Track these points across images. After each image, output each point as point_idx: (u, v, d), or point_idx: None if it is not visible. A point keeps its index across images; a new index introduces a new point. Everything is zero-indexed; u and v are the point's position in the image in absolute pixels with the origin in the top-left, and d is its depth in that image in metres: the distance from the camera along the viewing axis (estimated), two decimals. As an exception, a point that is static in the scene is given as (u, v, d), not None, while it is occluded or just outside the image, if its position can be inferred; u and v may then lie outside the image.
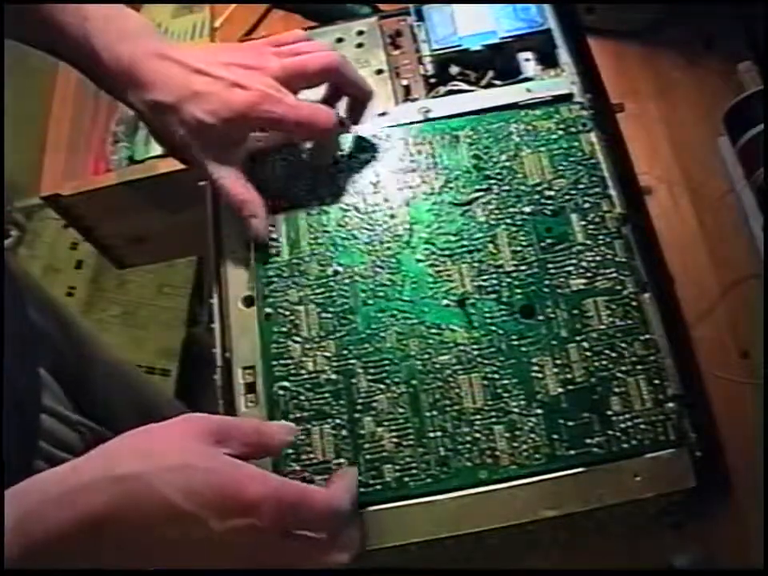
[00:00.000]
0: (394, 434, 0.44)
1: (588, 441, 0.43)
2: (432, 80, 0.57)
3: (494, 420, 0.44)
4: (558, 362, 0.45)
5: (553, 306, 0.46)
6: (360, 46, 0.58)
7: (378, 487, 0.43)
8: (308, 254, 0.49)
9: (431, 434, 0.44)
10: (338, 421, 0.45)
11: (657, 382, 0.44)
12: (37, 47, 0.51)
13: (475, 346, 0.46)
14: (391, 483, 0.43)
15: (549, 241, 0.48)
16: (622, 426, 0.43)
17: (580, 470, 0.43)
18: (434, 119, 0.53)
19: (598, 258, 0.47)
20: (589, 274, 0.47)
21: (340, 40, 0.59)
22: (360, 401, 0.45)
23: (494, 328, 0.46)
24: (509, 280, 0.47)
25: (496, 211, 0.49)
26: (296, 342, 0.47)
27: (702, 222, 0.60)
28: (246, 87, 0.47)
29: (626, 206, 0.49)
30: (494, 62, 0.56)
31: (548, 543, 0.48)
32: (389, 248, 0.49)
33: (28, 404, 0.52)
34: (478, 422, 0.44)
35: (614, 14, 0.67)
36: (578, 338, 0.45)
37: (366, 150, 0.53)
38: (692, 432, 0.43)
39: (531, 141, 0.51)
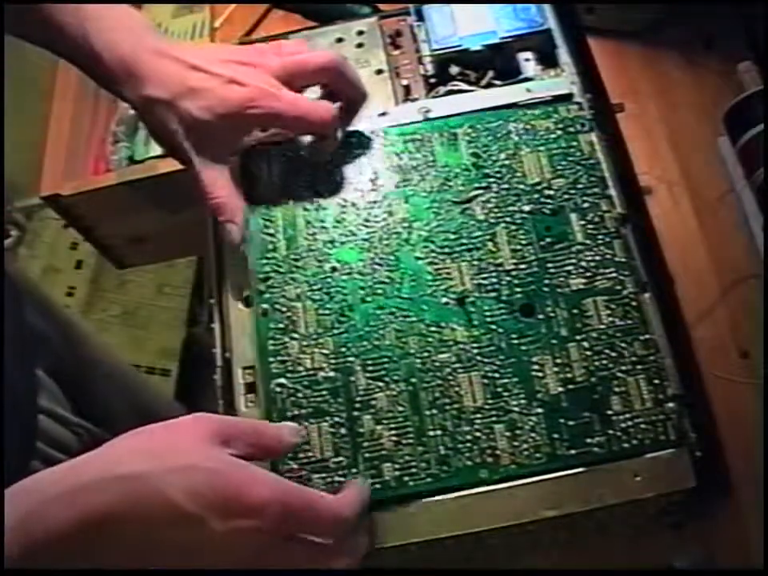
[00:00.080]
0: (393, 432, 0.44)
1: (588, 440, 0.43)
2: (432, 80, 0.57)
3: (494, 419, 0.44)
4: (558, 361, 0.45)
5: (552, 305, 0.46)
6: (360, 46, 0.58)
7: (378, 486, 0.43)
8: (305, 249, 0.49)
9: (431, 433, 0.44)
10: (336, 419, 0.45)
11: (657, 381, 0.44)
12: (36, 44, 0.51)
13: (475, 345, 0.46)
14: (391, 482, 0.43)
15: (548, 240, 0.48)
16: (623, 425, 0.43)
17: (580, 469, 0.43)
18: (433, 119, 0.53)
19: (597, 258, 0.47)
20: (588, 274, 0.47)
21: (340, 40, 0.59)
22: (359, 399, 0.45)
23: (493, 326, 0.46)
24: (508, 278, 0.47)
25: (495, 209, 0.49)
26: (293, 338, 0.47)
27: (702, 222, 0.60)
28: (244, 84, 0.47)
29: (625, 206, 0.49)
30: (494, 62, 0.56)
31: (548, 543, 0.48)
32: (387, 245, 0.49)
33: (25, 405, 0.52)
34: (478, 421, 0.44)
35: (614, 14, 0.67)
36: (577, 338, 0.45)
37: (364, 146, 0.52)
38: (692, 432, 0.43)
39: (530, 140, 0.51)
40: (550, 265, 0.47)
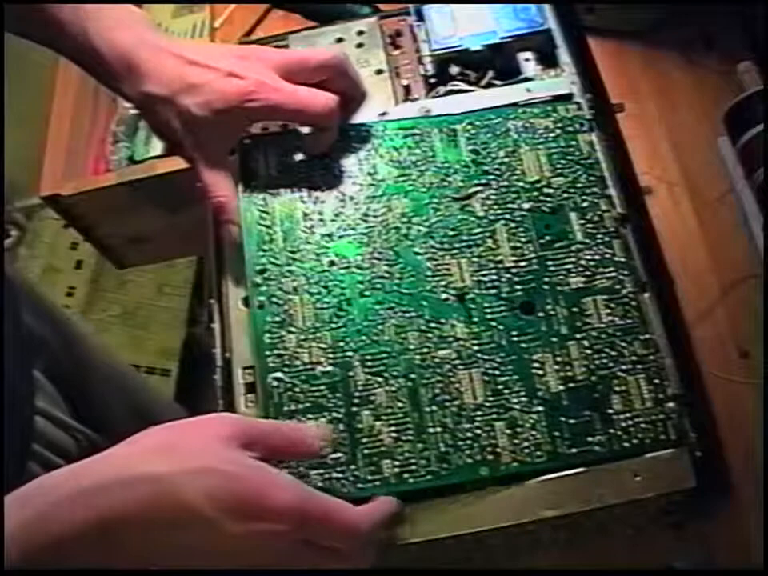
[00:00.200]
0: (392, 428, 0.44)
1: (589, 439, 0.43)
2: (432, 80, 0.57)
3: (494, 416, 0.44)
4: (559, 359, 0.45)
5: (552, 303, 0.46)
6: (360, 46, 0.58)
7: (377, 483, 0.43)
8: (303, 242, 0.49)
9: (431, 430, 0.44)
10: (334, 414, 0.44)
11: (657, 381, 0.44)
12: (37, 42, 0.51)
13: (475, 341, 0.46)
14: (390, 479, 0.43)
15: (548, 238, 0.48)
16: (623, 424, 0.43)
17: (580, 469, 0.43)
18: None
19: (597, 257, 0.47)
20: (588, 273, 0.47)
21: (340, 40, 0.59)
22: (357, 394, 0.45)
23: (493, 323, 0.46)
24: (508, 276, 0.47)
25: (495, 207, 0.49)
26: (290, 332, 0.46)
27: (702, 222, 0.60)
28: (242, 76, 0.47)
29: (625, 206, 0.49)
30: (494, 62, 0.56)
31: (548, 543, 0.48)
32: (386, 240, 0.49)
33: (22, 406, 0.51)
34: (478, 418, 0.44)
35: (614, 14, 0.67)
36: (578, 336, 0.45)
37: (362, 140, 0.52)
38: (692, 432, 0.43)
39: (529, 138, 0.51)
40: (549, 263, 0.47)
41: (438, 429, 0.44)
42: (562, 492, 0.43)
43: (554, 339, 0.45)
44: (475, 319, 0.46)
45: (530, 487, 0.43)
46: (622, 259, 0.47)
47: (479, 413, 0.44)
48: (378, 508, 0.40)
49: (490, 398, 0.44)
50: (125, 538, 0.34)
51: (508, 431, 0.43)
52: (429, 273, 0.48)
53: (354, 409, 0.44)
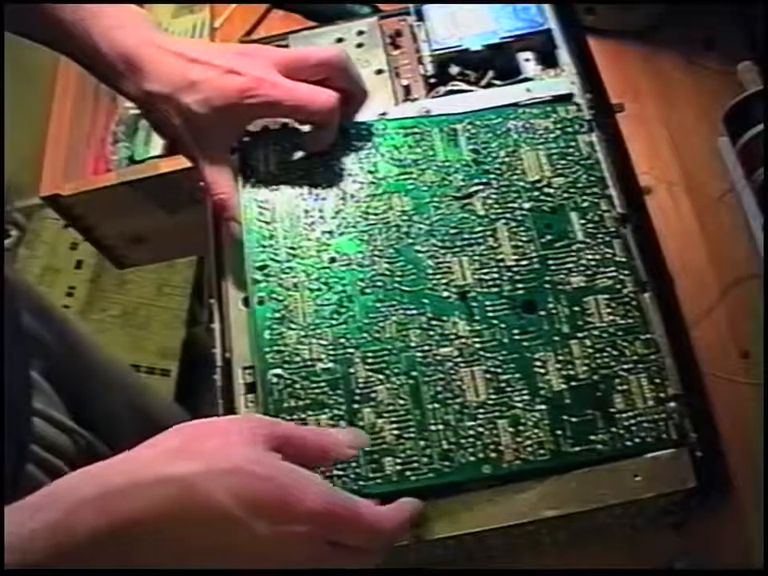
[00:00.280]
0: (394, 425, 0.44)
1: (592, 438, 0.43)
2: (432, 80, 0.57)
3: (497, 414, 0.44)
4: (561, 357, 0.45)
5: (554, 301, 0.46)
6: (360, 45, 0.58)
7: (379, 481, 0.43)
8: (304, 239, 0.49)
9: (433, 427, 0.44)
10: (335, 411, 0.44)
11: (657, 380, 0.44)
12: (38, 42, 0.52)
13: (477, 339, 0.45)
14: (392, 477, 0.43)
15: (549, 237, 0.48)
16: (626, 423, 0.43)
17: (580, 469, 0.43)
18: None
19: (597, 257, 0.47)
20: (589, 272, 0.47)
21: (340, 40, 0.59)
22: (358, 391, 0.45)
23: (495, 321, 0.46)
24: (509, 274, 0.47)
25: (495, 206, 0.49)
26: (291, 328, 0.46)
27: (702, 221, 0.60)
28: (241, 73, 0.47)
29: (625, 206, 0.49)
30: (494, 62, 0.56)
31: (548, 543, 0.48)
32: (387, 238, 0.49)
33: (19, 407, 0.51)
34: (481, 416, 0.44)
35: (613, 14, 0.67)
36: (579, 335, 0.45)
37: (362, 138, 0.52)
38: (692, 432, 0.43)
39: (529, 138, 0.51)
40: (550, 262, 0.47)
41: (441, 426, 0.44)
42: (562, 492, 0.43)
43: (556, 338, 0.45)
44: (477, 317, 0.46)
45: (530, 487, 0.43)
46: (623, 259, 0.47)
47: (481, 410, 0.44)
48: (403, 508, 0.40)
49: (493, 396, 0.44)
50: (151, 540, 0.34)
51: (511, 429, 0.43)
52: (430, 271, 0.47)
53: (355, 406, 0.44)
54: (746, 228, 0.58)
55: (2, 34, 0.51)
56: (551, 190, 0.49)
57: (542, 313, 0.46)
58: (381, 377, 0.45)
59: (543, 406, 0.44)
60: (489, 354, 0.45)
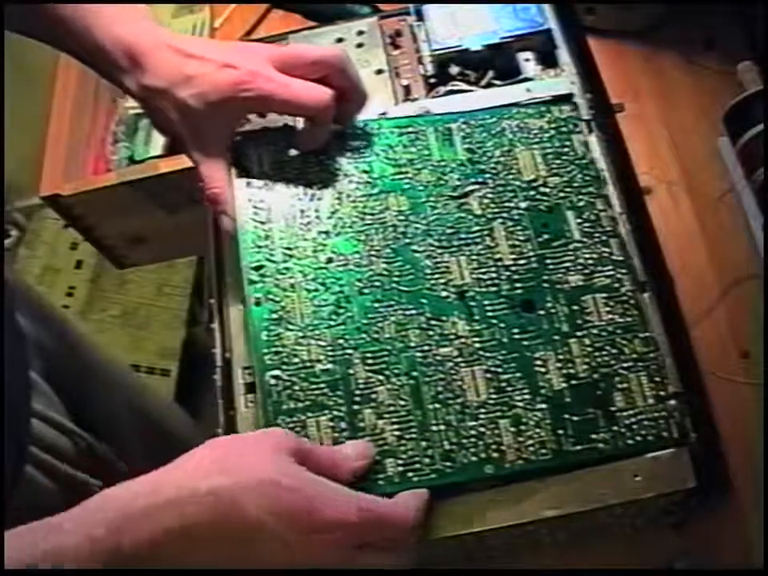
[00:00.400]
0: (395, 426, 0.44)
1: (594, 436, 0.43)
2: (432, 80, 0.57)
3: (498, 414, 0.44)
4: (561, 356, 0.45)
5: (552, 301, 0.46)
6: (360, 46, 0.58)
7: (381, 482, 0.42)
8: (300, 239, 0.49)
9: (434, 428, 0.43)
10: (335, 413, 0.44)
11: (657, 379, 0.44)
12: (39, 40, 0.52)
13: (476, 339, 0.45)
14: (394, 478, 0.42)
15: (546, 236, 0.48)
16: (626, 422, 0.43)
17: (581, 470, 0.43)
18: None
19: (594, 256, 0.47)
20: (587, 271, 0.47)
21: (340, 40, 0.59)
22: (358, 392, 0.44)
23: (494, 321, 0.46)
24: (507, 273, 0.47)
25: (492, 205, 0.49)
26: (288, 329, 0.46)
27: (702, 222, 0.60)
28: (236, 67, 0.47)
29: (625, 206, 0.49)
30: (494, 62, 0.56)
31: (548, 543, 0.48)
32: (384, 238, 0.48)
33: (18, 408, 0.51)
34: (482, 416, 0.44)
35: (614, 14, 0.67)
36: (578, 334, 0.45)
37: (358, 138, 0.52)
38: (692, 432, 0.43)
39: (524, 138, 0.51)
40: (548, 261, 0.47)
41: (442, 427, 0.43)
42: (562, 492, 0.43)
43: (556, 337, 0.45)
44: (476, 317, 0.46)
45: (531, 487, 0.43)
46: (620, 258, 0.47)
47: (483, 410, 0.44)
48: (417, 498, 0.41)
49: (493, 396, 0.44)
50: (182, 554, 0.35)
51: (512, 429, 0.43)
52: (428, 270, 0.47)
53: (356, 407, 0.44)
54: (746, 228, 0.58)
55: (2, 33, 0.51)
56: (547, 190, 0.49)
57: (541, 312, 0.46)
58: (381, 377, 0.45)
59: (544, 405, 0.44)
60: (489, 354, 0.45)
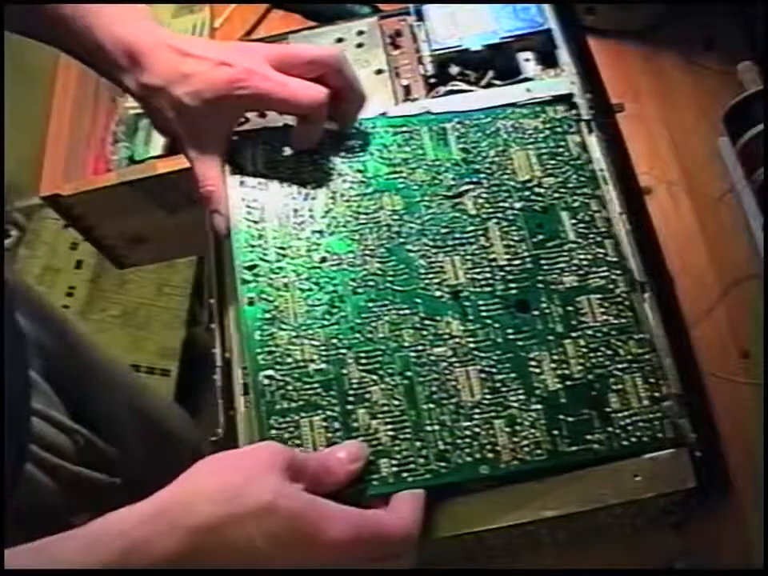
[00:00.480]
0: (389, 426, 0.43)
1: (589, 437, 0.43)
2: (432, 80, 0.57)
3: (493, 414, 0.44)
4: (555, 357, 0.45)
5: (547, 301, 0.46)
6: (360, 46, 0.58)
7: (375, 482, 0.42)
8: (294, 238, 0.48)
9: (429, 428, 0.43)
10: (329, 413, 0.44)
11: (652, 380, 0.44)
12: (39, 40, 0.52)
13: (471, 339, 0.45)
14: (388, 478, 0.42)
15: (540, 237, 0.48)
16: (621, 423, 0.43)
17: (580, 470, 0.43)
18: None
19: (589, 257, 0.47)
20: (581, 272, 0.47)
21: (340, 40, 0.59)
22: (352, 392, 0.44)
23: (489, 321, 0.46)
24: (502, 274, 0.47)
25: (486, 205, 0.49)
26: (282, 329, 0.46)
27: (702, 222, 0.60)
28: (232, 65, 0.47)
29: (625, 206, 0.49)
30: (494, 62, 0.56)
31: (548, 543, 0.48)
32: (378, 237, 0.48)
33: (18, 408, 0.51)
34: (477, 416, 0.43)
35: (613, 14, 0.67)
36: (573, 335, 0.45)
37: (351, 137, 0.52)
38: (692, 432, 0.43)
39: (519, 138, 0.51)
40: (543, 261, 0.47)
41: (437, 427, 0.43)
42: (562, 492, 0.43)
43: (550, 337, 0.45)
44: (470, 317, 0.46)
45: (530, 487, 0.43)
46: (614, 259, 0.47)
47: (477, 410, 0.44)
48: (414, 504, 0.41)
49: (488, 396, 0.44)
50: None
51: (507, 429, 0.43)
52: (422, 270, 0.47)
53: (349, 407, 0.44)
54: (746, 228, 0.58)
55: (2, 33, 0.51)
56: (542, 190, 0.49)
57: (536, 312, 0.46)
58: (375, 377, 0.45)
59: (539, 406, 0.44)
60: (483, 354, 0.45)
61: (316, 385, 0.44)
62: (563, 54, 0.55)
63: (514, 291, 0.47)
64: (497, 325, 0.46)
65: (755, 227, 0.57)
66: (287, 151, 0.51)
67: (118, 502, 0.36)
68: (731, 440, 0.50)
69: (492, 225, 0.49)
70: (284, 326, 0.46)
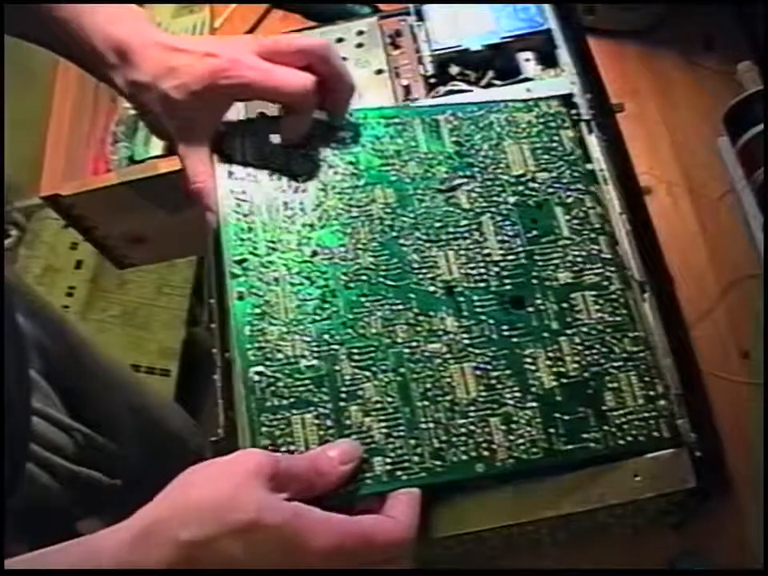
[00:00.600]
0: (383, 424, 0.42)
1: (585, 435, 0.43)
2: (432, 80, 0.57)
3: (489, 412, 0.43)
4: (551, 354, 0.44)
5: (542, 297, 0.46)
6: (360, 46, 0.58)
7: (369, 481, 0.41)
8: (284, 232, 0.48)
9: (423, 425, 0.42)
10: (321, 410, 0.43)
11: (647, 379, 0.44)
12: (34, 42, 0.52)
13: (465, 335, 0.45)
14: (382, 477, 0.41)
15: (535, 232, 0.48)
16: (617, 421, 0.43)
17: (580, 469, 0.43)
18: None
19: (583, 253, 0.47)
20: (576, 268, 0.47)
21: (340, 40, 0.59)
22: (344, 389, 0.43)
23: (483, 317, 0.45)
24: (496, 269, 0.47)
25: (480, 199, 0.49)
26: (272, 324, 0.45)
27: (701, 221, 0.60)
28: (217, 55, 0.47)
29: (625, 206, 0.49)
30: (494, 62, 0.56)
31: (548, 543, 0.48)
32: (370, 231, 0.48)
33: (19, 407, 0.51)
34: (472, 414, 0.43)
35: (613, 14, 0.67)
36: (568, 332, 0.45)
37: (342, 129, 0.51)
38: (692, 432, 0.43)
39: (512, 132, 0.51)
40: (537, 257, 0.47)
41: (431, 424, 0.42)
42: (561, 492, 0.42)
43: (545, 334, 0.45)
44: (465, 313, 0.45)
45: (530, 487, 0.42)
46: (609, 256, 0.47)
47: (473, 408, 0.43)
48: (409, 507, 0.40)
49: (483, 393, 0.43)
50: None
51: (503, 427, 0.43)
52: (415, 265, 0.47)
53: (342, 404, 0.43)
54: (746, 228, 0.58)
55: (2, 33, 0.51)
56: (536, 185, 0.49)
57: (531, 309, 0.45)
58: (367, 374, 0.44)
59: (535, 404, 0.43)
60: (478, 351, 0.44)
61: (307, 381, 0.43)
62: (563, 54, 0.55)
63: (508, 287, 0.46)
64: (491, 321, 0.45)
65: (755, 227, 0.57)
66: (276, 141, 0.51)
67: (118, 502, 0.36)
68: (731, 440, 0.50)
69: (486, 219, 0.48)
70: (274, 321, 0.45)
